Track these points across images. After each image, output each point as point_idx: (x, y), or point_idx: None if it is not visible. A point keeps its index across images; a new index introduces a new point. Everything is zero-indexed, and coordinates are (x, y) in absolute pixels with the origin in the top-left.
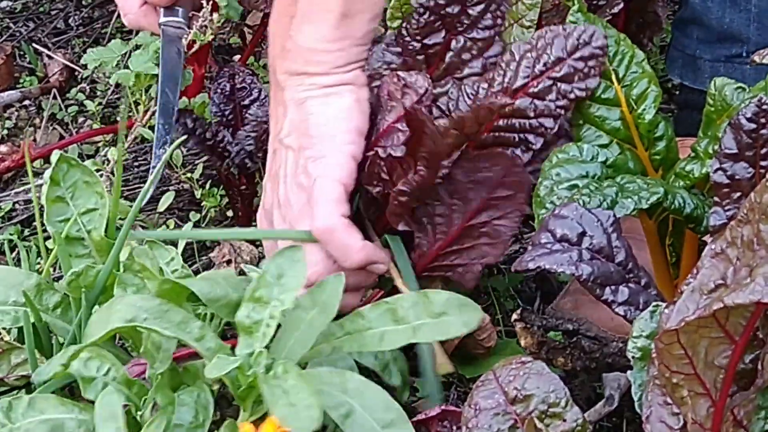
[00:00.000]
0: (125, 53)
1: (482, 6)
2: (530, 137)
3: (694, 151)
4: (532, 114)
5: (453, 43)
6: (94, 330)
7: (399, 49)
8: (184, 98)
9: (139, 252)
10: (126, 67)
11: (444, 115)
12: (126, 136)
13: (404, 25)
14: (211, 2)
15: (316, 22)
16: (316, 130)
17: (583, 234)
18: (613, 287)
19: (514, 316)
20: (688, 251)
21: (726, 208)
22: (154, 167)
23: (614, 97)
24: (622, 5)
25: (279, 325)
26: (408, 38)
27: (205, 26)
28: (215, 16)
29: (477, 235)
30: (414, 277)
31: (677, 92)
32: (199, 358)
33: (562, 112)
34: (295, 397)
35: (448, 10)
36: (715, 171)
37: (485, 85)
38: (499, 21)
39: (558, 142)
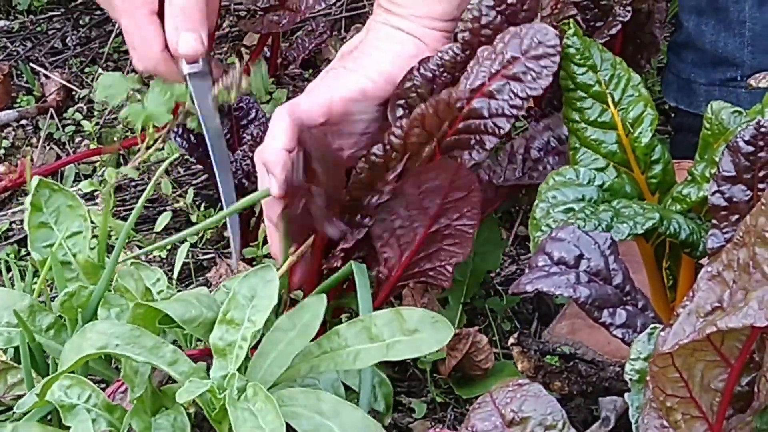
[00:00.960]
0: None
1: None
2: (485, 138)
3: (691, 175)
4: (486, 114)
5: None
6: (67, 358)
7: (431, 75)
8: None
9: (123, 273)
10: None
11: (421, 125)
12: (122, 157)
13: (441, 56)
14: (243, 64)
15: None
16: (362, 51)
17: (580, 256)
18: (610, 310)
19: (511, 340)
20: (685, 274)
21: (724, 230)
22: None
23: (610, 121)
24: (619, 27)
25: (257, 345)
26: (442, 69)
27: (231, 86)
28: (244, 81)
29: (441, 239)
30: (370, 307)
31: (673, 115)
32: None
33: (515, 112)
34: (263, 420)
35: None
36: (713, 193)
37: (456, 92)
38: None
39: (550, 158)
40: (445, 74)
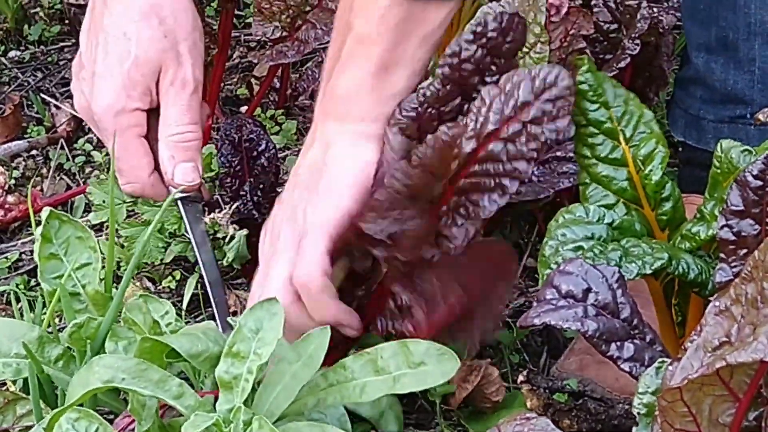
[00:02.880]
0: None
1: (498, 77)
2: (505, 181)
3: (700, 213)
4: (505, 158)
5: (465, 107)
6: (75, 391)
7: (414, 114)
8: None
9: (131, 306)
10: None
11: (422, 165)
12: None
13: (423, 92)
14: (230, 211)
15: (354, 70)
16: (329, 178)
17: (588, 290)
18: (618, 343)
19: (521, 378)
20: (693, 311)
21: (732, 265)
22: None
23: (621, 157)
24: (628, 60)
25: (263, 378)
26: (426, 105)
27: (220, 224)
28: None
29: (472, 307)
30: None
31: (680, 149)
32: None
33: (536, 154)
34: None
35: (469, 80)
36: (722, 227)
37: (458, 131)
38: None
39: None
40: (429, 109)
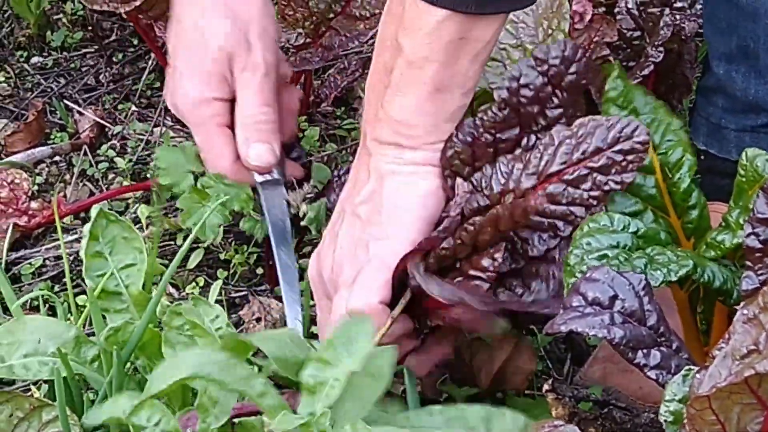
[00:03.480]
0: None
1: (560, 110)
2: (559, 224)
3: (725, 221)
4: (563, 201)
5: (524, 140)
6: (160, 378)
7: (470, 139)
8: None
9: (187, 310)
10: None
11: (476, 191)
12: (156, 194)
13: (480, 116)
14: (306, 191)
15: (408, 94)
16: (389, 211)
17: (614, 297)
18: (644, 351)
19: (546, 387)
20: (718, 320)
21: (759, 272)
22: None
23: (650, 165)
24: (652, 67)
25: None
26: (482, 130)
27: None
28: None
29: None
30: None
31: (702, 157)
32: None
33: (595, 203)
34: None
35: (528, 108)
36: (748, 235)
37: (520, 166)
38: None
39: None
40: (485, 135)
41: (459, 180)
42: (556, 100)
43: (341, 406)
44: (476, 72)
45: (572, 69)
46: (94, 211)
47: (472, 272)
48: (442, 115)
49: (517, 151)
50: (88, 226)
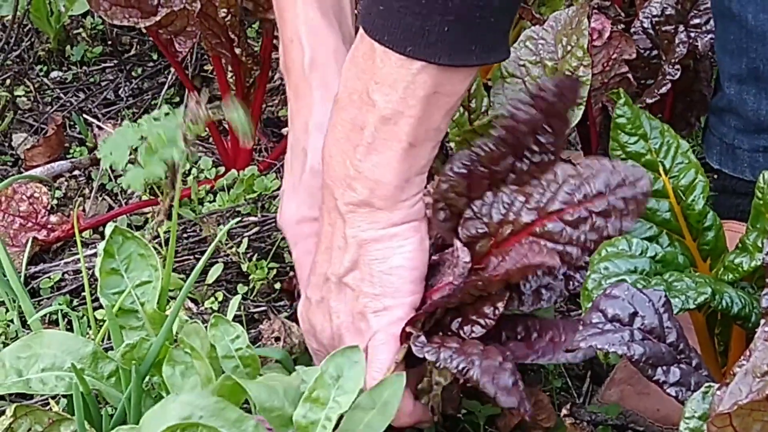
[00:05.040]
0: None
1: (551, 137)
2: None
3: (743, 244)
4: (561, 240)
5: (517, 165)
6: (149, 427)
7: (465, 171)
8: (233, 170)
9: (188, 331)
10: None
11: (476, 217)
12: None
13: (476, 150)
14: (203, 99)
15: (383, 152)
16: (380, 280)
17: (634, 314)
18: (664, 368)
19: (564, 411)
20: (736, 340)
21: None
22: None
23: (662, 189)
24: (669, 85)
25: (337, 425)
26: (478, 164)
27: (196, 119)
28: (201, 111)
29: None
30: None
31: (716, 176)
32: None
33: (591, 246)
34: None
35: (523, 141)
36: (767, 254)
37: (522, 198)
38: (562, 146)
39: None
40: (480, 168)
41: (458, 244)
42: (548, 128)
43: None
44: (446, 125)
45: (567, 100)
46: (109, 228)
47: (473, 317)
48: (414, 170)
49: (511, 177)
50: (102, 244)
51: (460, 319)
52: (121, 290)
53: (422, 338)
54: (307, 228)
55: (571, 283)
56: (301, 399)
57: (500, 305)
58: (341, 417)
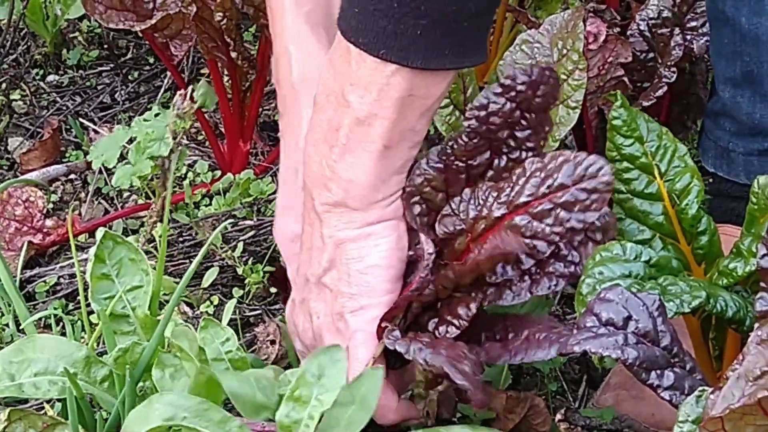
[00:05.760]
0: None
1: (529, 131)
2: (522, 256)
3: (737, 249)
4: (527, 233)
5: (495, 162)
6: (133, 427)
7: (441, 166)
8: (229, 174)
9: (177, 333)
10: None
11: (453, 214)
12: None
13: (451, 144)
14: (188, 92)
15: (358, 153)
16: (356, 280)
17: (628, 318)
18: (658, 371)
19: (558, 416)
20: (730, 345)
21: None
22: None
23: (657, 192)
24: (665, 88)
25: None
26: (453, 158)
27: (183, 114)
28: (186, 103)
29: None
30: None
31: (711, 180)
32: None
33: (557, 239)
34: None
35: (498, 134)
36: (762, 257)
37: (495, 194)
38: (542, 142)
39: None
40: (456, 162)
41: (422, 237)
42: (524, 123)
43: None
44: (424, 126)
45: (540, 92)
46: (99, 234)
47: (447, 317)
48: (390, 171)
49: (490, 173)
50: (93, 249)
51: (436, 320)
52: (112, 295)
53: (396, 332)
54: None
55: (535, 287)
56: (283, 398)
57: (473, 306)
58: (323, 415)
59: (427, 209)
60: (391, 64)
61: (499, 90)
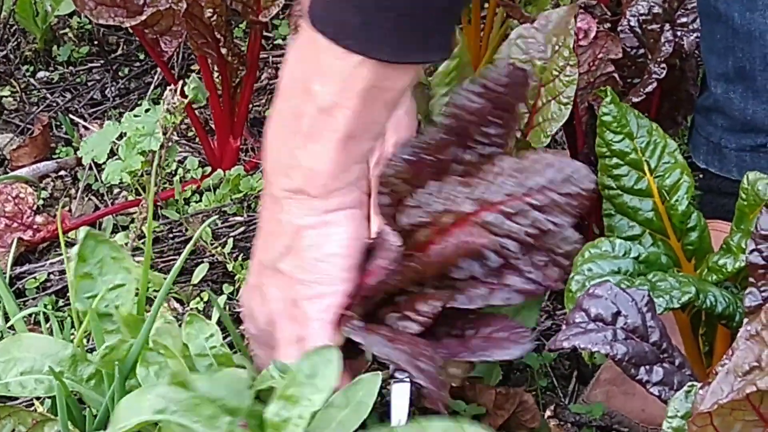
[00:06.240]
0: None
1: (501, 129)
2: (491, 255)
3: (727, 245)
4: (498, 231)
5: (465, 156)
6: (123, 417)
7: (414, 158)
8: (219, 170)
9: (161, 331)
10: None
11: (418, 206)
12: (159, 208)
13: (424, 138)
14: (178, 87)
15: (319, 142)
16: (313, 267)
17: (617, 313)
18: (647, 367)
19: (548, 413)
20: (720, 341)
21: (761, 289)
22: None
23: (647, 188)
24: (655, 84)
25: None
26: (424, 153)
27: (173, 109)
28: (176, 99)
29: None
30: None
31: (702, 176)
32: None
33: (528, 239)
34: None
35: (470, 130)
36: (751, 252)
37: (464, 189)
38: (509, 140)
39: None
40: (429, 157)
41: (387, 228)
42: (498, 120)
43: None
44: (387, 118)
45: (515, 91)
46: (81, 233)
47: (408, 313)
48: (351, 160)
49: (457, 168)
50: (75, 248)
51: (397, 314)
52: (95, 294)
53: (356, 322)
54: None
55: (492, 295)
56: (275, 396)
57: (437, 304)
58: (314, 416)
59: (393, 200)
60: (357, 56)
61: (481, 90)
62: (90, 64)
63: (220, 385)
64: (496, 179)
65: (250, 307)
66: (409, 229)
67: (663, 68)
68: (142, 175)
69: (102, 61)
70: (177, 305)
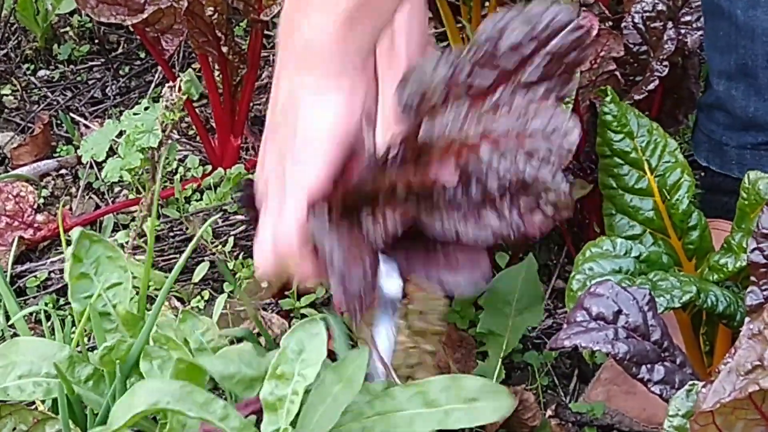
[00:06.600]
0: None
1: (540, 72)
2: (471, 183)
3: (728, 244)
4: (484, 166)
5: (498, 93)
6: (119, 415)
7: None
8: (220, 169)
9: (163, 324)
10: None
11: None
12: (160, 207)
13: (458, 59)
14: (176, 84)
15: (320, 17)
16: (302, 133)
17: (619, 312)
18: (648, 366)
19: (549, 412)
20: (721, 340)
21: (763, 288)
22: None
23: (647, 187)
24: (657, 82)
25: (303, 401)
26: (458, 73)
27: (171, 106)
28: (175, 95)
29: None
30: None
31: (703, 174)
32: None
33: (505, 183)
34: None
35: (506, 63)
36: (752, 251)
37: (476, 121)
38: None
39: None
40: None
41: (372, 135)
42: (537, 61)
43: (309, 418)
44: (392, 7)
45: (565, 37)
46: (75, 234)
47: (378, 217)
48: (351, 47)
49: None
50: (70, 249)
51: (372, 218)
52: (92, 294)
53: (324, 211)
54: None
55: (464, 224)
56: (266, 376)
57: (408, 215)
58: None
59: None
60: None
61: (527, 26)
62: (91, 63)
63: (232, 360)
64: (502, 110)
65: (259, 166)
66: (421, 144)
67: (665, 66)
68: (142, 174)
69: (103, 60)
70: (178, 304)
